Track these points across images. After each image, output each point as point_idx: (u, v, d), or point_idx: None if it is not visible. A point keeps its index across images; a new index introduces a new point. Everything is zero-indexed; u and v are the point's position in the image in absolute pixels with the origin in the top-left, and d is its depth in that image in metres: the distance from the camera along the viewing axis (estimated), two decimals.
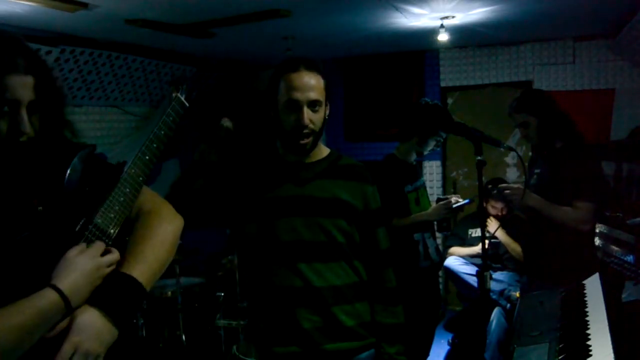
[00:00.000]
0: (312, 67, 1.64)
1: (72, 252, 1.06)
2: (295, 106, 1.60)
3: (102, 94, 4.12)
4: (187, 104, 1.30)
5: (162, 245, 1.21)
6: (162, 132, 1.25)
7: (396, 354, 1.69)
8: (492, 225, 3.62)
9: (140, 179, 1.20)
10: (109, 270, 1.10)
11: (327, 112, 1.70)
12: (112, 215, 1.14)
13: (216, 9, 3.12)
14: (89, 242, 1.10)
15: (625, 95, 4.20)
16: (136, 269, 1.12)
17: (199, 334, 3.71)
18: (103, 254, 1.10)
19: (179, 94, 1.29)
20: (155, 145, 1.23)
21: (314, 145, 1.68)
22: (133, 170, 1.19)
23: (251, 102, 5.45)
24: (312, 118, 1.61)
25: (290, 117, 1.62)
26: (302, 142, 1.62)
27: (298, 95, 1.60)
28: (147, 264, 1.15)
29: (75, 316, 1.03)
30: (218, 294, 3.60)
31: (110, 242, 1.14)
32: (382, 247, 1.76)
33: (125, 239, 1.20)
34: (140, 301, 1.12)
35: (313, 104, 1.61)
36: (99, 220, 1.12)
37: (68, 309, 1.01)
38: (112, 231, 1.14)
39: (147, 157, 1.22)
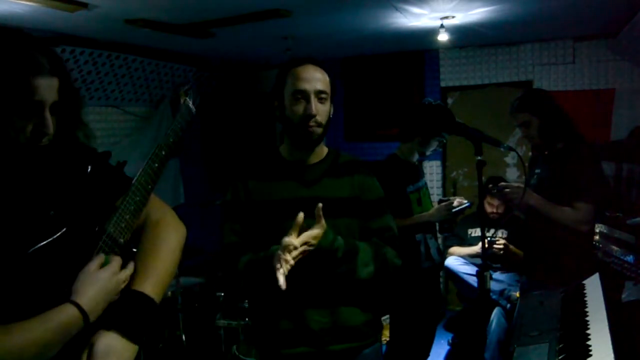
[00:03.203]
0: (318, 63, 1.69)
1: (92, 267, 1.06)
2: (303, 96, 1.62)
3: (102, 94, 4.12)
4: (194, 111, 1.30)
5: (170, 255, 1.23)
6: (171, 140, 1.26)
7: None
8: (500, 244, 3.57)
9: (150, 187, 1.21)
10: (124, 284, 1.11)
11: (332, 111, 1.71)
12: (123, 225, 1.15)
13: (216, 9, 3.12)
14: (103, 252, 1.11)
15: (625, 95, 4.20)
16: (147, 284, 1.13)
17: (199, 334, 3.71)
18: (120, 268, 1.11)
19: (187, 99, 1.29)
20: (164, 152, 1.24)
21: (321, 139, 1.68)
22: (143, 179, 1.20)
23: (252, 103, 5.46)
24: (320, 109, 1.63)
25: (298, 108, 1.63)
26: (309, 130, 1.63)
27: (306, 85, 1.62)
28: (157, 277, 1.16)
29: (94, 342, 1.04)
30: (218, 294, 3.60)
31: (119, 252, 1.14)
32: (388, 234, 1.75)
33: (131, 246, 1.20)
34: (153, 316, 1.14)
35: (320, 95, 1.64)
36: (112, 230, 1.13)
37: (86, 323, 1.02)
38: (122, 240, 1.15)
39: (156, 165, 1.23)
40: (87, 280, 1.04)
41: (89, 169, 1.17)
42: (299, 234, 1.51)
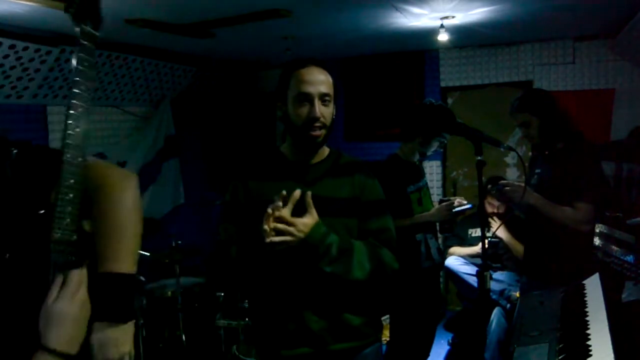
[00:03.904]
0: (321, 64, 1.68)
1: (50, 300, 0.99)
2: (307, 99, 1.62)
3: (102, 94, 4.12)
4: (97, 34, 1.05)
5: (127, 219, 1.13)
6: (83, 88, 1.04)
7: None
8: (495, 226, 3.62)
9: (80, 159, 1.04)
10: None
11: (334, 111, 1.71)
12: (68, 220, 1.02)
13: (216, 9, 3.12)
14: (58, 265, 1.03)
15: (625, 95, 4.20)
16: (118, 261, 1.08)
17: (199, 334, 3.71)
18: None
19: (84, 26, 1.04)
20: (80, 109, 1.04)
21: (325, 140, 1.69)
22: (69, 155, 1.03)
23: (252, 103, 5.47)
24: (323, 111, 1.63)
25: (302, 111, 1.63)
26: (313, 133, 1.63)
27: (309, 88, 1.62)
28: (124, 247, 1.10)
29: (89, 339, 1.03)
30: (218, 294, 3.60)
31: (75, 249, 1.05)
32: (385, 235, 1.73)
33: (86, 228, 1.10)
34: (135, 287, 1.10)
35: (324, 98, 1.64)
36: (58, 235, 1.02)
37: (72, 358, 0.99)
38: (74, 237, 1.04)
39: (77, 129, 1.03)
40: (50, 318, 0.98)
41: (8, 173, 1.05)
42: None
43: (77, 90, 1.03)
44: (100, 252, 1.08)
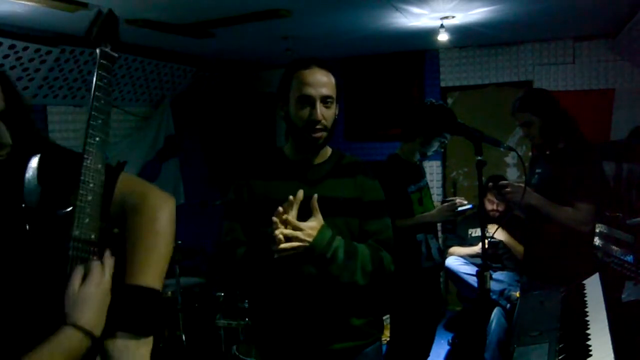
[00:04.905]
0: (324, 65, 1.68)
1: (75, 284, 1.02)
2: (308, 101, 1.62)
3: None
4: (116, 55, 1.16)
5: (162, 239, 1.17)
6: (102, 102, 1.13)
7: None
8: (493, 228, 3.62)
9: (99, 165, 1.11)
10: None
11: (337, 111, 1.71)
12: (87, 220, 1.07)
13: (216, 9, 3.12)
14: (78, 260, 1.06)
15: (625, 95, 4.20)
16: (145, 275, 1.10)
17: (199, 334, 3.71)
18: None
19: (103, 48, 1.14)
20: (100, 120, 1.13)
21: (326, 142, 1.69)
22: (89, 160, 1.09)
23: (252, 103, 5.46)
24: (325, 114, 1.64)
25: (303, 113, 1.63)
26: (315, 135, 1.63)
27: (311, 90, 1.61)
28: (153, 264, 1.13)
29: (108, 348, 1.03)
30: (218, 294, 3.60)
31: (95, 249, 1.09)
32: (383, 236, 1.72)
33: (110, 229, 1.15)
34: (159, 305, 1.12)
35: (325, 100, 1.64)
36: (77, 232, 1.06)
37: (93, 341, 1.00)
38: (93, 236, 1.08)
39: (97, 139, 1.11)
40: (77, 301, 1.01)
41: (31, 174, 1.09)
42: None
43: (97, 104, 1.13)
44: (129, 266, 1.11)
